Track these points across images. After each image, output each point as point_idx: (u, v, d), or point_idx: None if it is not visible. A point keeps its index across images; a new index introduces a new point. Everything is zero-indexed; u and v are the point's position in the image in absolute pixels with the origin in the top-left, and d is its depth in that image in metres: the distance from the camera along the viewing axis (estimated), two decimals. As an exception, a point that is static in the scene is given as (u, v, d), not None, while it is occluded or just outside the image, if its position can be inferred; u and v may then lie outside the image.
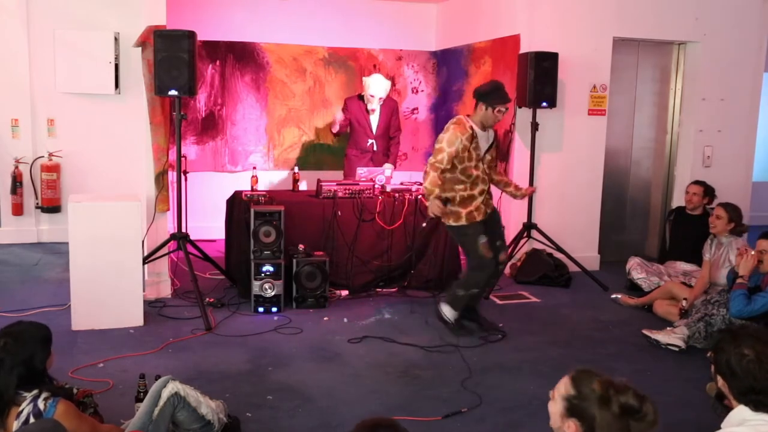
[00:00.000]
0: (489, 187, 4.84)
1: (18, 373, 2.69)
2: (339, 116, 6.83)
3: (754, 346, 2.25)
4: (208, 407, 3.08)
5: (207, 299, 5.30)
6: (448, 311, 4.87)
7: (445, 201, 4.67)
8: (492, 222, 4.85)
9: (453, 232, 4.90)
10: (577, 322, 5.28)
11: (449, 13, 7.94)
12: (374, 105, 6.57)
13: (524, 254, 6.39)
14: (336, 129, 6.89)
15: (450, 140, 4.57)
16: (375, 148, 6.67)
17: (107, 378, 3.91)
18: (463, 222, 4.70)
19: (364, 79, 6.72)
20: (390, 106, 6.74)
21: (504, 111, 4.64)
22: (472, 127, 4.63)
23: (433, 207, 4.61)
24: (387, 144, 6.79)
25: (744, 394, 2.24)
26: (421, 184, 6.21)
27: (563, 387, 2.02)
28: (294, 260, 5.30)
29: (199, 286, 5.09)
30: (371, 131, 6.65)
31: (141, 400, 3.11)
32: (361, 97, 6.67)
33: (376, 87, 6.53)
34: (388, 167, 6.33)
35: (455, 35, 7.71)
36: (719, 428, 2.34)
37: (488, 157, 4.78)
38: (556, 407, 2.03)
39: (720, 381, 2.33)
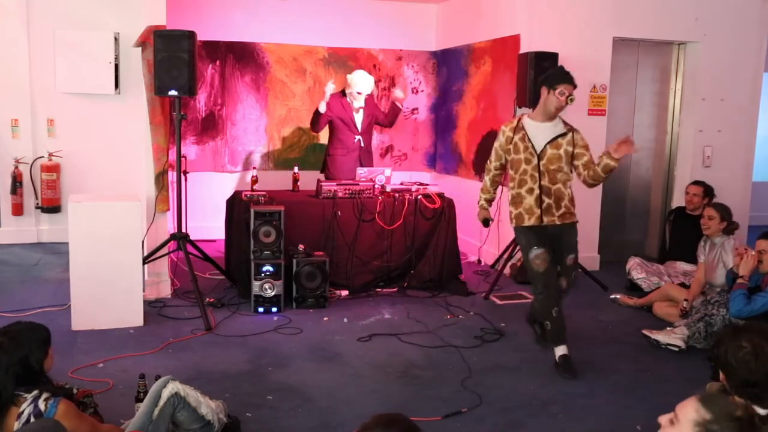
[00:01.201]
0: (554, 191, 4.26)
1: (14, 373, 2.69)
2: (328, 92, 6.36)
3: (752, 339, 2.26)
4: (208, 407, 3.08)
5: (207, 299, 5.30)
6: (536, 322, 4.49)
7: (485, 221, 4.59)
8: (557, 238, 4.31)
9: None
10: (577, 322, 5.28)
11: (449, 13, 7.94)
12: (361, 102, 6.35)
13: (524, 254, 6.38)
14: (323, 108, 6.35)
15: (498, 136, 4.45)
16: (362, 144, 6.50)
17: (107, 378, 3.91)
18: (513, 224, 4.38)
19: (348, 76, 6.45)
20: (370, 101, 6.55)
21: (566, 94, 4.16)
22: (520, 119, 4.35)
23: (479, 214, 4.61)
24: (371, 137, 6.66)
25: (741, 387, 2.25)
26: (422, 184, 6.25)
27: (692, 411, 1.73)
28: (294, 260, 5.30)
29: (199, 286, 5.09)
30: (356, 128, 6.44)
31: (141, 400, 3.11)
32: (343, 93, 6.44)
33: (362, 84, 6.31)
34: (387, 170, 6.26)
35: (455, 35, 7.71)
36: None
37: (551, 151, 4.23)
38: None
39: (721, 375, 2.34)
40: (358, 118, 6.46)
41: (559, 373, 4.19)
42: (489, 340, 4.79)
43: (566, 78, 4.21)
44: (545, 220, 4.28)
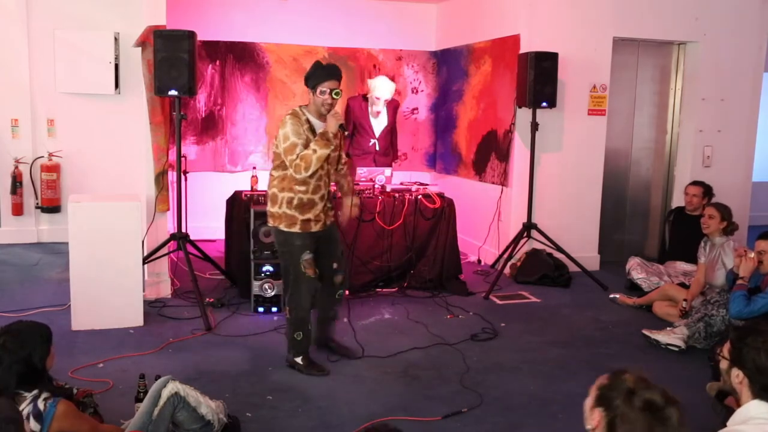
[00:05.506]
0: (330, 193, 4.19)
1: (17, 371, 2.70)
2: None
3: None
4: (208, 407, 3.08)
5: (207, 299, 5.30)
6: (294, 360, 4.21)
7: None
8: (329, 238, 4.25)
9: (278, 238, 4.17)
10: (577, 322, 5.28)
11: (449, 13, 7.94)
12: (380, 107, 6.38)
13: (524, 254, 6.39)
14: (351, 129, 6.38)
15: (295, 131, 3.95)
16: (377, 148, 6.53)
17: (107, 378, 3.91)
18: (296, 229, 4.06)
19: (369, 81, 6.55)
20: (393, 106, 6.60)
21: (327, 91, 3.94)
22: (308, 119, 4.04)
23: None
24: (389, 143, 6.69)
25: (767, 390, 2.27)
26: (422, 184, 6.24)
27: (600, 379, 2.02)
28: (294, 260, 5.29)
29: (199, 286, 5.09)
30: (373, 132, 6.49)
31: (141, 400, 3.11)
32: (365, 98, 6.51)
33: (382, 89, 6.33)
34: (387, 170, 6.26)
35: (455, 35, 7.71)
36: (719, 428, 2.35)
37: (332, 154, 4.05)
38: (589, 399, 2.01)
39: (739, 377, 2.34)
40: (375, 123, 6.46)
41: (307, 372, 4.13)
42: (488, 339, 4.80)
43: (327, 76, 3.98)
44: (327, 225, 4.20)
